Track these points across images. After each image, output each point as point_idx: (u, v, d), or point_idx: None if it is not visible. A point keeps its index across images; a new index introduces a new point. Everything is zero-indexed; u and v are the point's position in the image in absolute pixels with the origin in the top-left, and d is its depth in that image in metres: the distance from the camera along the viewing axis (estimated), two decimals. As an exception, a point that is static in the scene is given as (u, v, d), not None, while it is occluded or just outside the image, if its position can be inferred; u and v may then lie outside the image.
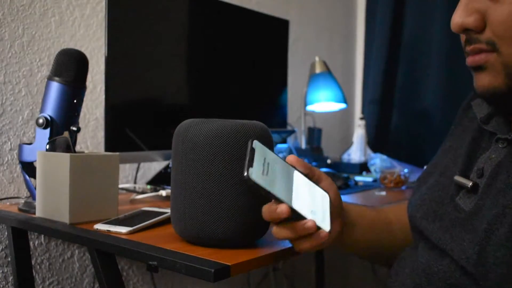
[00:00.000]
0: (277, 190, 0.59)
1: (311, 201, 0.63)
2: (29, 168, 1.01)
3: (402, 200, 1.04)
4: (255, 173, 0.56)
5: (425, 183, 0.75)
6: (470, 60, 0.62)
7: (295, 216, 0.61)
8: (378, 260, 0.90)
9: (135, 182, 1.39)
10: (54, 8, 1.25)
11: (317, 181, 0.68)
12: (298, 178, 0.64)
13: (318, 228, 0.62)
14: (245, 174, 0.56)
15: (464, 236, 0.59)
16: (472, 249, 0.57)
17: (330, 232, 0.63)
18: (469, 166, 0.67)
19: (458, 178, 0.66)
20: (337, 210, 0.70)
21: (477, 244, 0.56)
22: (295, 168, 0.65)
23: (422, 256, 0.67)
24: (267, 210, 0.62)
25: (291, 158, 0.67)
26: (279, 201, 0.59)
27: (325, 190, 0.67)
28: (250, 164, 0.57)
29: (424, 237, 0.68)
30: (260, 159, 0.59)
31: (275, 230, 0.65)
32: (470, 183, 0.63)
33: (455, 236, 0.61)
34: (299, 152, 1.66)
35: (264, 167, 0.59)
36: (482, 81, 0.61)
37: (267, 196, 0.58)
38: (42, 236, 1.19)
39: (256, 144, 0.60)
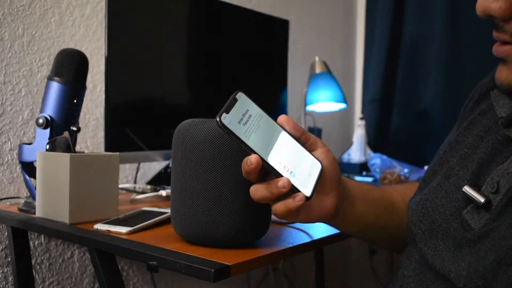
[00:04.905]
0: (252, 141, 0.55)
1: (294, 164, 0.58)
2: (29, 168, 1.01)
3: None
4: (229, 119, 0.54)
5: (429, 183, 0.68)
6: (494, 49, 0.57)
7: (271, 171, 0.57)
8: (379, 243, 0.83)
9: (135, 182, 1.39)
10: (54, 8, 1.25)
11: (310, 148, 0.62)
12: (285, 139, 0.59)
13: (296, 190, 0.57)
14: (217, 119, 0.53)
15: (470, 261, 0.53)
16: (476, 281, 0.51)
17: (309, 198, 0.57)
18: (481, 175, 0.60)
19: (468, 190, 0.58)
20: (332, 183, 0.63)
21: (482, 277, 0.51)
22: (285, 130, 0.60)
23: (413, 281, 0.62)
24: (242, 164, 0.57)
25: (282, 117, 0.60)
26: (251, 151, 0.55)
27: (318, 159, 0.61)
28: (226, 111, 0.54)
29: (421, 254, 0.63)
30: (241, 109, 0.56)
31: (251, 189, 0.59)
32: (483, 200, 0.56)
33: (460, 259, 0.55)
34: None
35: (244, 117, 0.56)
36: (501, 73, 0.57)
37: (239, 144, 0.55)
38: (42, 236, 1.19)
39: (241, 95, 0.57)
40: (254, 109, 0.58)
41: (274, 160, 0.57)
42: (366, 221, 0.73)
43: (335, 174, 0.63)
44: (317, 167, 0.61)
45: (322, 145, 0.63)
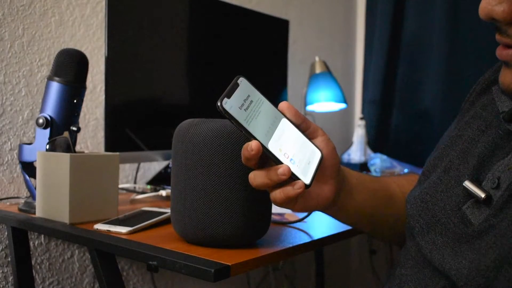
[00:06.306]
0: (252, 126, 0.55)
1: (294, 151, 0.58)
2: (29, 168, 1.01)
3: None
4: (230, 104, 0.54)
5: (429, 177, 0.67)
6: (498, 52, 0.56)
7: (270, 158, 0.57)
8: (378, 235, 0.84)
9: (135, 182, 1.39)
10: (54, 8, 1.25)
11: (310, 136, 0.62)
12: (286, 126, 0.59)
13: (295, 178, 0.57)
14: (219, 103, 0.53)
15: (471, 258, 0.53)
16: (477, 279, 0.51)
17: (308, 186, 0.57)
18: (482, 170, 0.59)
19: (468, 185, 0.58)
20: (331, 172, 0.63)
21: (483, 276, 0.50)
22: (285, 117, 0.60)
23: (411, 279, 0.62)
24: (242, 150, 0.57)
25: (283, 104, 0.60)
26: (252, 137, 0.55)
27: (318, 147, 0.61)
28: (227, 95, 0.54)
29: (418, 249, 0.62)
30: (242, 94, 0.56)
31: (250, 175, 0.59)
32: (483, 195, 0.56)
33: (459, 255, 0.54)
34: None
35: (245, 102, 0.56)
36: (505, 77, 0.56)
37: (239, 130, 0.55)
38: (42, 236, 1.19)
39: (243, 80, 0.57)
40: (256, 95, 0.57)
41: (274, 146, 0.56)
42: (364, 212, 0.73)
43: (335, 163, 0.63)
44: (317, 155, 0.61)
45: (322, 134, 0.63)
